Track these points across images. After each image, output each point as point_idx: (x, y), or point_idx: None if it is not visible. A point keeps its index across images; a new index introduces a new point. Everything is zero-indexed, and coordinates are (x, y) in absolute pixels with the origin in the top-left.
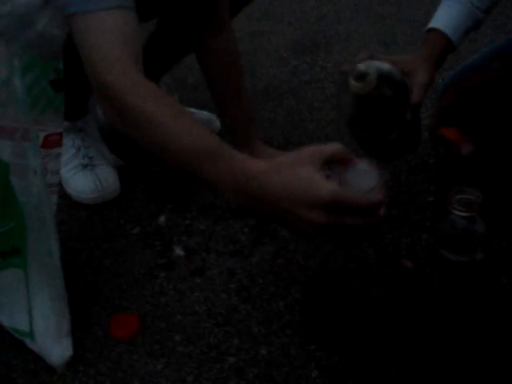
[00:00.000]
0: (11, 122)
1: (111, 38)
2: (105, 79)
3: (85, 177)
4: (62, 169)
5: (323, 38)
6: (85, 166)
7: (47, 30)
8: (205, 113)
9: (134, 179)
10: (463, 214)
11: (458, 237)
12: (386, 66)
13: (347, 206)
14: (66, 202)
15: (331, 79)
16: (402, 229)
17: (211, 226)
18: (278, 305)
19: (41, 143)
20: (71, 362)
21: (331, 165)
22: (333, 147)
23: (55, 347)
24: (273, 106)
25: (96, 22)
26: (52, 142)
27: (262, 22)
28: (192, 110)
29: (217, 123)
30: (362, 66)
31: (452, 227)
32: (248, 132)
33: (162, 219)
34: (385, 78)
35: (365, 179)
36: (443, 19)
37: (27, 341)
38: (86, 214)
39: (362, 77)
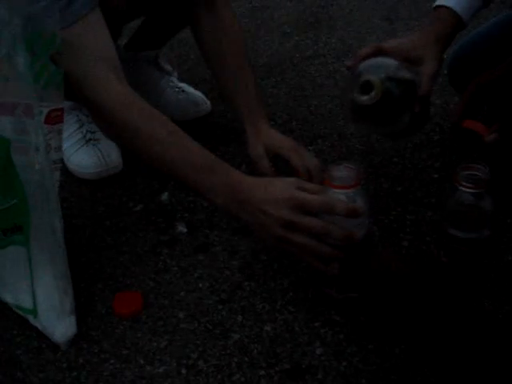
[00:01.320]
0: (12, 98)
1: (90, 54)
2: (94, 99)
3: (87, 151)
4: (64, 144)
5: (326, 13)
6: (88, 141)
7: (48, 3)
8: (197, 94)
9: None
10: (470, 190)
11: (465, 213)
12: (391, 67)
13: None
14: (68, 179)
15: (334, 55)
16: (406, 206)
17: None
18: (282, 282)
19: (44, 119)
20: (75, 339)
21: None
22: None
23: (59, 325)
24: (275, 81)
25: (72, 37)
26: (54, 118)
27: None
28: (186, 88)
29: (206, 105)
30: (366, 78)
31: (459, 203)
32: (252, 111)
33: (164, 196)
34: (391, 82)
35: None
36: None
37: (30, 318)
38: (89, 191)
39: (367, 90)
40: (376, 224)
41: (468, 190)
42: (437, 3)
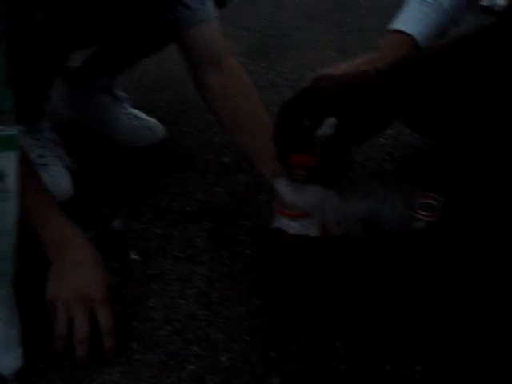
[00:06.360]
0: None
1: None
2: None
3: None
4: None
5: (279, 43)
6: (36, 166)
7: None
8: (150, 120)
9: (88, 182)
10: (426, 218)
11: None
12: None
13: None
14: None
15: (288, 84)
16: None
17: (168, 230)
18: (238, 310)
19: None
20: (22, 372)
21: None
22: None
23: (4, 356)
24: None
25: None
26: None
27: None
28: (139, 114)
29: (160, 132)
30: None
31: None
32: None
33: (117, 223)
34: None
35: None
36: (414, 23)
37: None
38: None
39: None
40: None
41: (424, 217)
42: (393, 26)
